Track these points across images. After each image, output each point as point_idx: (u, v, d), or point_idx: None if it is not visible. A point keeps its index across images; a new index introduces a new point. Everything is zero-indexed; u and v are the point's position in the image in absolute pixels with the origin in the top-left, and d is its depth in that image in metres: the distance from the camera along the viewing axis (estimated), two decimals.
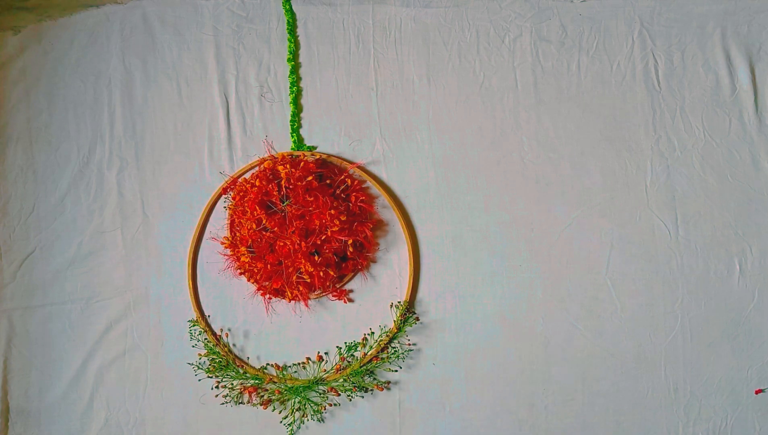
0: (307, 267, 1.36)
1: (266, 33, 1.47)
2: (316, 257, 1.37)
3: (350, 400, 1.41)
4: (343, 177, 1.42)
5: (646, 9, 1.47)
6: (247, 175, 1.44)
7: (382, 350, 1.41)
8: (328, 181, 1.41)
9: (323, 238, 1.37)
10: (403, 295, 1.42)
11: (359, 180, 1.44)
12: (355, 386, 1.40)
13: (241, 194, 1.40)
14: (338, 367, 1.41)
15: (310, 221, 1.37)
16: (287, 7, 1.47)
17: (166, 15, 1.47)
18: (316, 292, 1.41)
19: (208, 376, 1.41)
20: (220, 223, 1.44)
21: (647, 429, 1.40)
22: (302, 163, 1.40)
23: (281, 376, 1.41)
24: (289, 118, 1.45)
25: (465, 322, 1.42)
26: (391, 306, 1.42)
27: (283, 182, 1.38)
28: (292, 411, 1.41)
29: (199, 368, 1.42)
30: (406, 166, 1.45)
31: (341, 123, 1.46)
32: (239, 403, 1.41)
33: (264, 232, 1.38)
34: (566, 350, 1.41)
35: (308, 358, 1.42)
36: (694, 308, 1.42)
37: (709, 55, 1.46)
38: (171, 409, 1.42)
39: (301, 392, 1.40)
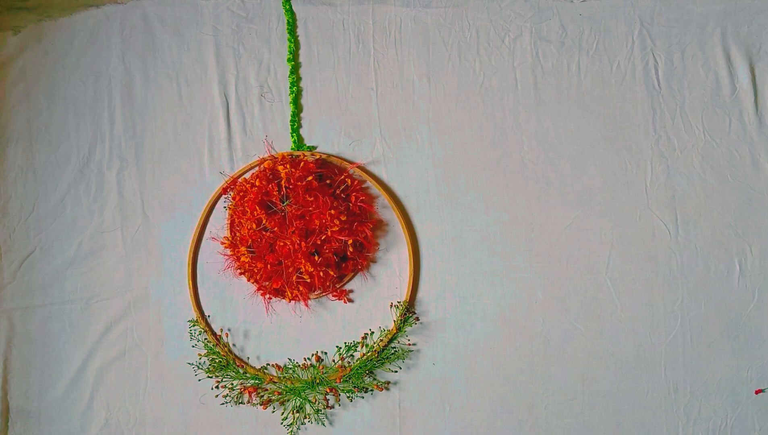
0: (307, 267, 1.36)
1: (266, 33, 1.47)
2: (316, 257, 1.37)
3: (350, 400, 1.41)
4: (343, 177, 1.42)
5: (646, 9, 1.47)
6: (247, 175, 1.44)
7: (382, 350, 1.41)
8: (328, 181, 1.41)
9: (323, 238, 1.37)
10: (403, 295, 1.42)
11: (359, 180, 1.44)
12: (355, 386, 1.40)
13: (241, 194, 1.40)
14: (338, 367, 1.41)
15: (310, 221, 1.37)
16: (287, 7, 1.47)
17: (166, 15, 1.47)
18: (316, 292, 1.41)
19: (208, 376, 1.41)
20: (220, 223, 1.44)
21: (647, 429, 1.40)
22: (302, 163, 1.40)
23: (281, 376, 1.41)
24: (289, 118, 1.45)
25: (465, 322, 1.42)
26: (391, 306, 1.42)
27: (283, 182, 1.38)
28: (293, 411, 1.41)
29: (199, 368, 1.42)
30: (406, 166, 1.45)
31: (341, 123, 1.46)
32: (239, 403, 1.41)
33: (264, 232, 1.38)
34: (566, 350, 1.41)
35: (307, 359, 1.42)
36: (694, 308, 1.42)
37: (709, 55, 1.46)
38: (171, 409, 1.42)
39: (301, 392, 1.40)
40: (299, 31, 1.47)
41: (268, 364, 1.43)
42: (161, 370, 1.42)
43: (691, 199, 1.43)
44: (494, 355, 1.41)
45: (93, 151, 1.45)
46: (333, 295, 1.42)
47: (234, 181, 1.43)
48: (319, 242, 1.37)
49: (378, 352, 1.41)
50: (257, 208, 1.37)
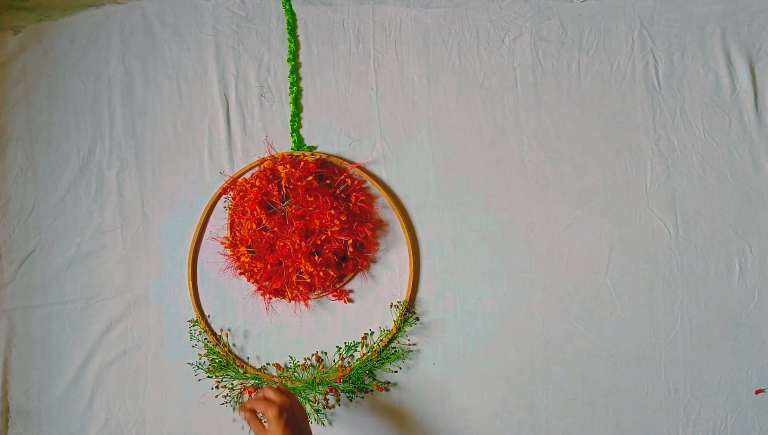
0: (307, 267, 1.36)
1: (266, 33, 1.47)
2: (316, 257, 1.37)
3: (350, 400, 1.41)
4: (343, 177, 1.42)
5: (646, 9, 1.47)
6: (247, 175, 1.44)
7: (382, 350, 1.41)
8: (328, 181, 1.41)
9: (323, 238, 1.37)
10: (403, 295, 1.42)
11: (359, 180, 1.44)
12: (355, 386, 1.40)
13: (241, 194, 1.40)
14: (338, 367, 1.41)
15: (310, 221, 1.37)
16: (287, 7, 1.47)
17: (166, 15, 1.47)
18: (316, 292, 1.41)
19: (208, 376, 1.42)
20: (220, 223, 1.44)
21: (647, 429, 1.40)
22: (302, 163, 1.40)
23: (281, 375, 1.41)
24: (289, 118, 1.45)
25: (465, 322, 1.42)
26: (391, 306, 1.42)
27: (283, 182, 1.38)
28: None
29: (199, 368, 1.42)
30: (406, 166, 1.45)
31: (341, 123, 1.46)
32: (239, 403, 1.41)
33: (264, 232, 1.38)
34: (566, 350, 1.41)
35: (308, 359, 1.42)
36: (694, 308, 1.42)
37: (709, 55, 1.46)
38: (171, 409, 1.42)
39: (301, 392, 1.40)
40: (299, 31, 1.47)
41: (268, 364, 1.43)
42: (161, 370, 1.42)
43: (691, 199, 1.43)
44: (494, 355, 1.42)
45: (93, 151, 1.45)
46: (333, 295, 1.42)
47: (234, 181, 1.43)
48: (319, 242, 1.37)
49: (378, 352, 1.41)
50: (257, 208, 1.37)
